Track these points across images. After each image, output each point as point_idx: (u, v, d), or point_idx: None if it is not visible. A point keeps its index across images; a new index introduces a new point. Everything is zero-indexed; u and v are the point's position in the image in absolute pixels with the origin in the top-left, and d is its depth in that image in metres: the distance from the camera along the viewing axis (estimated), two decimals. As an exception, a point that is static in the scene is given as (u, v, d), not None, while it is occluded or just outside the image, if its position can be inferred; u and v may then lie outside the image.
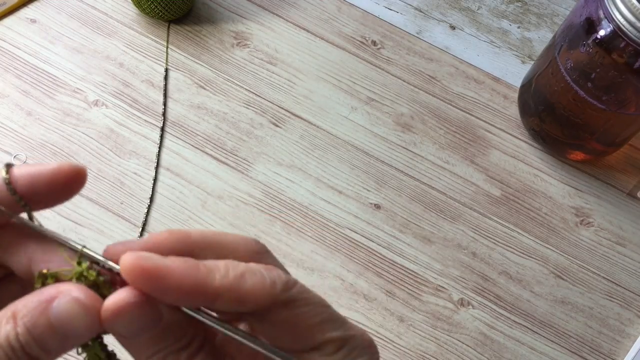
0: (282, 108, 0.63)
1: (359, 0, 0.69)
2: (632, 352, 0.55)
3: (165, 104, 0.59)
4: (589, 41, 0.50)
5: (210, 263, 0.20)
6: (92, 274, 0.20)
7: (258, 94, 0.63)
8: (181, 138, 0.60)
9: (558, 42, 0.55)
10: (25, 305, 0.19)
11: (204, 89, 0.63)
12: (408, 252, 0.57)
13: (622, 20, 0.47)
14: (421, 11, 0.70)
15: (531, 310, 0.56)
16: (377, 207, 0.59)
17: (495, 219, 0.60)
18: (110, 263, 0.20)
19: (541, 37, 0.70)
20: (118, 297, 0.19)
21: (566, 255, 0.59)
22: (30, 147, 0.59)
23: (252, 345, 0.21)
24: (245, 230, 0.57)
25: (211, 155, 0.60)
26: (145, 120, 0.61)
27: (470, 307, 0.56)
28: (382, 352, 0.54)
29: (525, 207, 0.60)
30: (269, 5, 0.68)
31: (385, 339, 0.54)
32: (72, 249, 0.21)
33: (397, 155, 0.62)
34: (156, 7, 0.63)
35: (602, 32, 0.49)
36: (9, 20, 0.65)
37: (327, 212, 0.58)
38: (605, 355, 0.55)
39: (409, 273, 0.57)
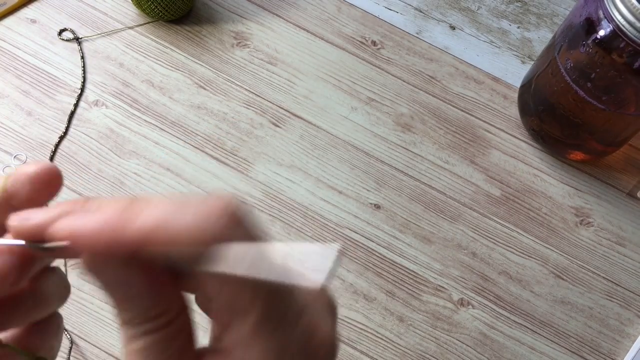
0: (282, 108, 0.63)
1: (359, 0, 0.69)
2: (631, 352, 0.55)
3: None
4: (589, 41, 0.50)
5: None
6: None
7: (258, 94, 0.63)
8: (181, 138, 0.60)
9: (558, 42, 0.55)
10: None
11: (204, 89, 0.63)
12: (408, 252, 0.58)
13: (621, 20, 0.47)
14: (421, 11, 0.70)
15: (531, 310, 0.56)
16: (377, 207, 0.59)
17: (495, 219, 0.60)
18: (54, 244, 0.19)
19: (541, 37, 0.70)
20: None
21: (566, 255, 0.59)
22: (30, 147, 0.59)
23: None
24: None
25: (211, 156, 0.60)
26: (145, 120, 0.61)
27: (470, 307, 0.56)
28: (382, 352, 0.54)
29: (525, 207, 0.60)
30: (269, 6, 0.68)
31: (385, 338, 0.54)
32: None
33: (397, 155, 0.62)
34: (156, 7, 0.63)
35: (601, 32, 0.49)
36: (9, 21, 0.65)
37: (327, 212, 0.58)
38: (605, 355, 0.55)
39: (409, 273, 0.57)
